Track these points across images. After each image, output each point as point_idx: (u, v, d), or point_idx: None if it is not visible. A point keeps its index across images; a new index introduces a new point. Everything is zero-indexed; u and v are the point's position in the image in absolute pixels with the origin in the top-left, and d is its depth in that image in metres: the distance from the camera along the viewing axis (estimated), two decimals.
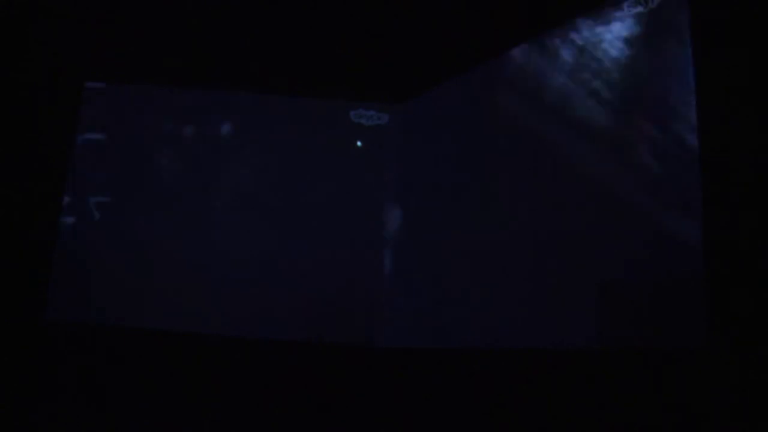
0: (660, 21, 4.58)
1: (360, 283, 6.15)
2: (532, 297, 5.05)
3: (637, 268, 4.44)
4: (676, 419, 3.69)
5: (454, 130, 6.01)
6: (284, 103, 6.40)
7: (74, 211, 5.97)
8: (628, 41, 4.81)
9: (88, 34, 5.83)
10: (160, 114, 6.30)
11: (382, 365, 5.76)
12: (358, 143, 6.42)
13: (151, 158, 6.21)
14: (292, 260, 6.14)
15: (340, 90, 6.39)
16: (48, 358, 5.34)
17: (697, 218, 3.99)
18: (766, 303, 3.47)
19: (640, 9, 4.71)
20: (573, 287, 4.79)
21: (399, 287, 6.14)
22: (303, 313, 6.02)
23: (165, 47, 6.01)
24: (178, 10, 5.64)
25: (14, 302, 5.28)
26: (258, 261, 6.13)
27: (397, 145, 6.40)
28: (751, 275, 3.60)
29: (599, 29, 5.00)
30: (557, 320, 4.82)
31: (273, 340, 5.85)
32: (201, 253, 6.07)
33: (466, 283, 5.60)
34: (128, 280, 5.82)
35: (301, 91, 6.38)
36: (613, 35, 4.92)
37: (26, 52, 5.63)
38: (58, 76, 5.81)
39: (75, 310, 5.62)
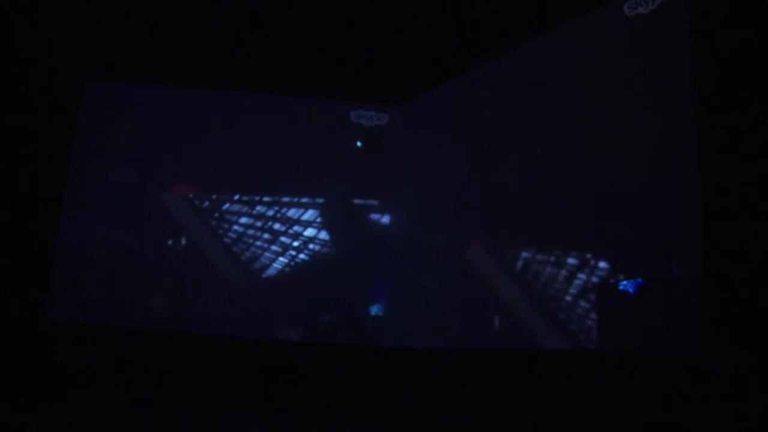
0: (660, 22, 4.58)
1: (359, 282, 6.15)
2: (533, 298, 5.07)
3: (638, 269, 4.46)
4: (675, 421, 3.68)
5: (454, 130, 6.02)
6: (284, 103, 6.39)
7: (74, 211, 5.97)
8: (628, 41, 4.82)
9: (88, 34, 5.82)
10: (159, 114, 6.29)
11: (385, 365, 5.77)
12: (358, 143, 6.41)
13: (150, 158, 6.20)
14: (292, 260, 6.13)
15: (340, 90, 6.38)
16: (48, 358, 5.33)
17: (697, 218, 3.97)
18: (766, 304, 3.45)
19: (641, 10, 4.72)
20: (574, 289, 4.81)
21: (399, 287, 6.14)
22: (303, 313, 6.04)
23: (165, 47, 6.01)
24: (177, 10, 5.64)
25: (14, 302, 5.28)
26: (258, 261, 6.13)
27: (397, 145, 6.39)
28: (751, 276, 3.58)
29: (599, 28, 5.00)
30: (558, 322, 4.85)
31: (274, 340, 5.86)
32: (201, 253, 6.07)
33: (468, 283, 5.60)
34: (128, 280, 5.81)
35: (301, 91, 6.36)
36: (613, 34, 4.92)
37: (26, 52, 5.63)
38: (58, 76, 5.80)
39: (75, 310, 5.62)
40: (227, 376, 5.60)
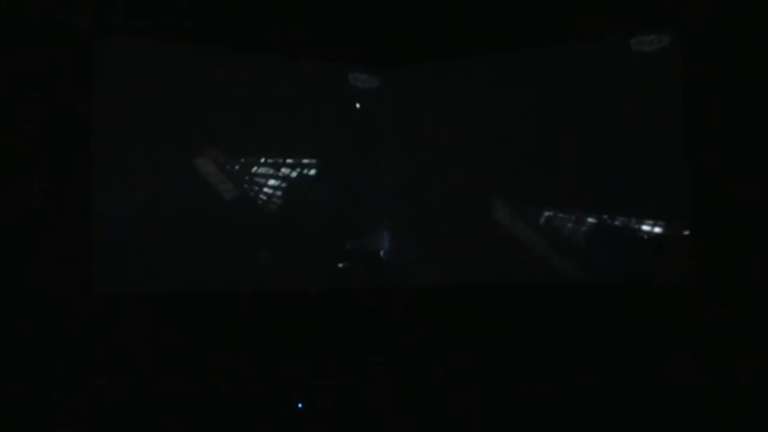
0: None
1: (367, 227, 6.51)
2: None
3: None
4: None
5: (451, 95, 6.27)
6: (280, 64, 6.26)
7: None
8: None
9: None
10: (155, 73, 5.89)
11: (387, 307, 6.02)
12: (357, 105, 6.55)
13: (149, 120, 5.91)
14: (289, 223, 6.35)
15: (337, 52, 6.35)
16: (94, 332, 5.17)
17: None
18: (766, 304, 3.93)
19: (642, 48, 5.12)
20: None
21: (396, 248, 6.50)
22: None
23: (158, 4, 5.74)
24: None
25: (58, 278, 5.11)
26: (255, 223, 6.27)
27: (394, 107, 6.55)
28: (748, 276, 4.04)
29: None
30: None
31: (279, 290, 6.07)
32: (206, 215, 6.03)
33: (462, 247, 6.03)
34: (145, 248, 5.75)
35: (297, 53, 6.23)
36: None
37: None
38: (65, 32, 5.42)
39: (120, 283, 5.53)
40: (235, 328, 5.70)
